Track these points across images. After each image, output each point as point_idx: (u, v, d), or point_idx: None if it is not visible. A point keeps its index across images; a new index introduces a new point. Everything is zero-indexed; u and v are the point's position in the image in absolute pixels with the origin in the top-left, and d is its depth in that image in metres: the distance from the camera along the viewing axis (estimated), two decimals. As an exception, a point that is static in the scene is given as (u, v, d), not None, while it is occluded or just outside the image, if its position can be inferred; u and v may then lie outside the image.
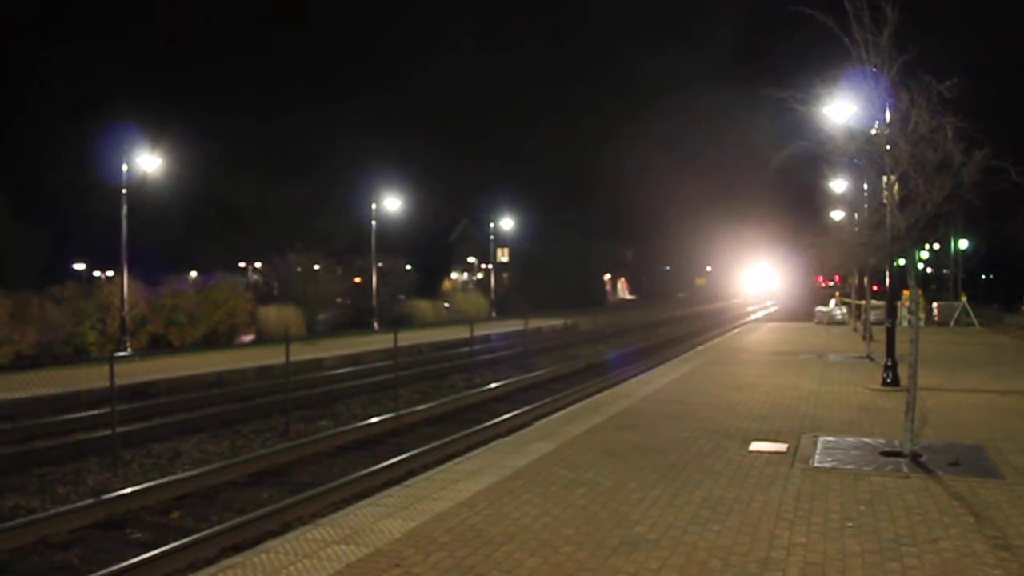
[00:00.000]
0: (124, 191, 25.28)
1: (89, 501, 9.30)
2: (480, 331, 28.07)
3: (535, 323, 31.66)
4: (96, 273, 59.56)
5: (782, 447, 9.69)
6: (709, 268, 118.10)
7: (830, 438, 10.16)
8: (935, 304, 38.06)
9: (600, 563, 5.79)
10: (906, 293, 24.15)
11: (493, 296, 56.31)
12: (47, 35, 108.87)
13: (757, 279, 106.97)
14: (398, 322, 37.28)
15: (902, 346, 12.32)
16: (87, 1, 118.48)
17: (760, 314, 57.58)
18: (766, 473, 8.43)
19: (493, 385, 19.17)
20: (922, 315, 30.68)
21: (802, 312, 45.38)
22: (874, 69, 9.10)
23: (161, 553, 7.46)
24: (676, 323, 45.00)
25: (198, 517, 9.24)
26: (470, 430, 13.38)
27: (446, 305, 51.15)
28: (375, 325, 38.31)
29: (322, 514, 8.23)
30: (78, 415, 14.85)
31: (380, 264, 43.07)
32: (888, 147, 9.18)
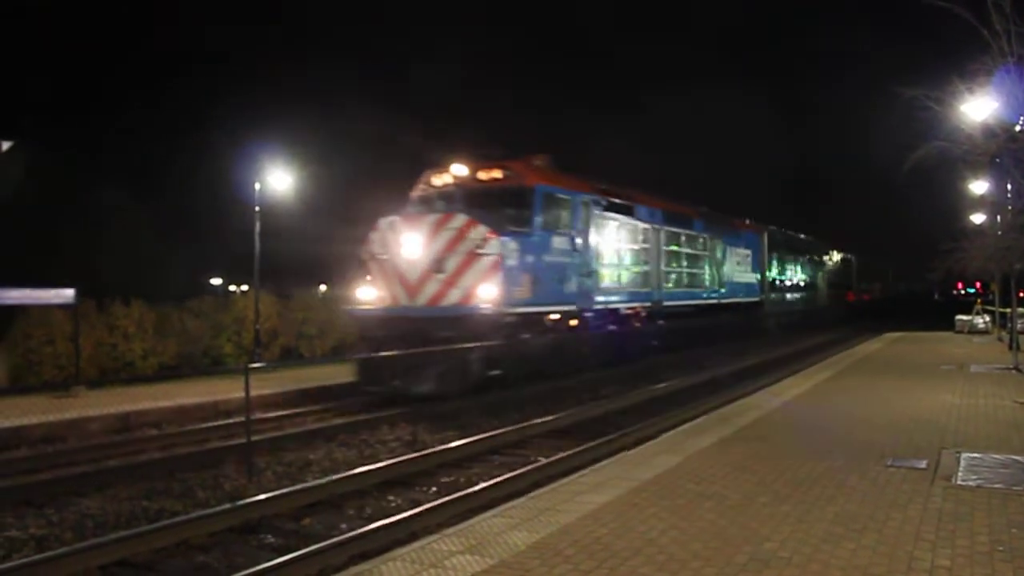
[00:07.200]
0: (257, 209, 26.18)
1: (227, 506, 9.65)
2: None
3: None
4: (232, 287, 61.93)
5: (921, 463, 9.24)
6: None
7: (974, 455, 9.63)
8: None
9: (729, 580, 5.64)
10: (1056, 300, 22.80)
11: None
12: (191, 59, 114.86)
13: None
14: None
15: (1053, 357, 11.61)
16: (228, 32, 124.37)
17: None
18: (903, 490, 8.05)
19: (617, 398, 18.98)
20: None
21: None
22: (1018, 61, 8.63)
23: (293, 558, 7.67)
24: (803, 332, 43.54)
25: (328, 524, 9.46)
26: (595, 442, 13.27)
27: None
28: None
29: (448, 524, 8.28)
30: (216, 423, 15.50)
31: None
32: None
